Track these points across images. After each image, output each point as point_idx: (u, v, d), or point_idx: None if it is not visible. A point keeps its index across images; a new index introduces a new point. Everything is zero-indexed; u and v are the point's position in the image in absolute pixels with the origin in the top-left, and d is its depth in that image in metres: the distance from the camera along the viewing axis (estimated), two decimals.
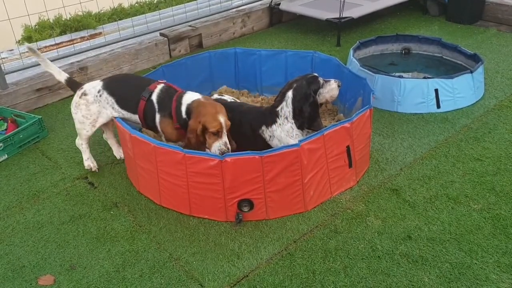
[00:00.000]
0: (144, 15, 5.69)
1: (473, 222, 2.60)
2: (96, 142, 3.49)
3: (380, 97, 3.68)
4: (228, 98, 3.24)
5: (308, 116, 2.89)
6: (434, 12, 5.74)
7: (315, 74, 3.00)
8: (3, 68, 3.97)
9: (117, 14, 6.34)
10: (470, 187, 2.86)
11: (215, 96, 3.30)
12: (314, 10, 5.29)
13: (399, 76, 3.68)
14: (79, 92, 2.98)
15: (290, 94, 2.91)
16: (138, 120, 2.91)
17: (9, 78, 4.04)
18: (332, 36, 5.25)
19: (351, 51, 4.15)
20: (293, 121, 2.91)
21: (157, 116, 2.80)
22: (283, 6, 5.54)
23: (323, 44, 5.10)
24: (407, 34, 4.57)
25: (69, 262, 2.47)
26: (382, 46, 4.54)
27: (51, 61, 4.28)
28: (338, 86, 3.01)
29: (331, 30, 5.35)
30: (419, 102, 3.65)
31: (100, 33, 5.32)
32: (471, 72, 3.71)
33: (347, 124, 2.72)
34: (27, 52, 4.84)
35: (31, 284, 2.35)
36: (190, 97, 2.76)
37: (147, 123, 2.89)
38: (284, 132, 2.90)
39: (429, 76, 3.70)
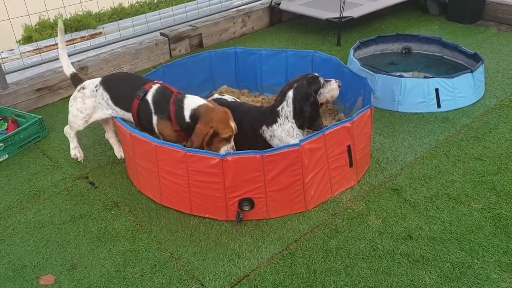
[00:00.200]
0: (144, 14, 5.69)
1: (474, 221, 2.60)
2: (97, 142, 3.49)
3: (381, 96, 3.68)
4: (228, 97, 3.25)
5: (308, 116, 2.89)
6: (434, 12, 5.74)
7: (316, 74, 3.00)
8: (3, 68, 3.97)
9: (117, 14, 6.34)
10: (471, 187, 2.86)
11: (216, 95, 3.30)
12: (314, 10, 5.29)
13: (400, 76, 3.68)
14: (79, 87, 3.03)
15: (290, 93, 2.91)
16: (132, 119, 2.90)
17: (10, 78, 4.04)
18: (333, 36, 5.25)
19: (352, 51, 4.15)
20: (293, 121, 2.91)
21: (154, 118, 2.79)
22: (283, 6, 5.54)
23: (324, 44, 5.10)
24: (408, 34, 4.57)
25: (70, 262, 2.47)
26: (383, 46, 4.54)
27: (52, 61, 4.34)
28: (339, 86, 3.01)
29: (332, 29, 5.35)
30: (420, 101, 3.65)
31: (101, 32, 5.31)
32: (472, 71, 3.71)
33: (348, 124, 2.72)
34: (27, 52, 4.85)
35: (32, 284, 2.36)
36: (194, 101, 2.74)
37: (141, 123, 2.87)
38: (284, 131, 2.90)
39: (429, 76, 3.70)
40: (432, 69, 4.26)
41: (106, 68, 4.46)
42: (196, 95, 2.91)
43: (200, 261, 2.43)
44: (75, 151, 3.20)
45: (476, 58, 3.98)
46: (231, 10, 5.58)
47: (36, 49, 4.89)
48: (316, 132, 2.68)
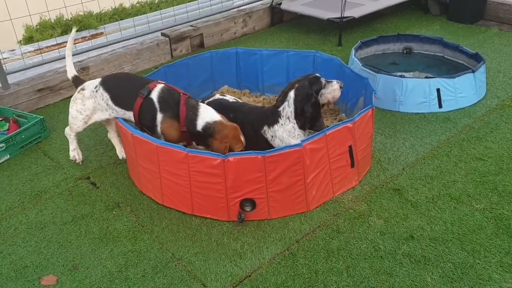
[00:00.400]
0: (145, 15, 5.69)
1: (475, 222, 2.60)
2: (98, 142, 3.49)
3: (382, 96, 3.68)
4: (229, 98, 3.24)
5: (310, 116, 2.89)
6: (435, 12, 5.74)
7: (317, 75, 3.00)
8: (4, 68, 3.97)
9: (118, 14, 6.35)
10: (473, 187, 2.86)
11: (217, 96, 3.30)
12: (315, 10, 5.29)
13: (401, 76, 3.68)
14: (79, 88, 3.04)
15: (292, 94, 2.91)
16: (132, 118, 2.91)
17: (11, 78, 4.04)
18: (334, 36, 5.25)
19: (353, 51, 4.15)
20: (295, 121, 2.91)
21: (159, 116, 2.80)
22: (284, 6, 5.53)
23: (325, 44, 5.10)
24: (409, 34, 4.57)
25: (72, 262, 2.47)
26: (384, 46, 4.54)
27: (53, 61, 4.34)
28: (340, 87, 3.01)
29: (333, 29, 5.35)
30: (421, 101, 3.65)
31: (102, 33, 5.32)
32: (473, 71, 3.70)
33: (349, 124, 2.72)
34: (28, 52, 4.86)
35: (34, 284, 2.36)
36: (209, 114, 2.79)
37: (142, 122, 2.88)
38: (286, 132, 2.90)
39: (431, 76, 3.70)
40: (433, 69, 4.25)
41: (107, 68, 4.46)
42: (197, 95, 2.94)
43: (202, 262, 2.43)
44: (74, 153, 3.20)
45: (477, 58, 3.98)
46: (232, 10, 5.57)
47: (37, 50, 4.89)
48: (318, 132, 2.68)
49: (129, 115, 2.90)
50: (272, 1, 5.66)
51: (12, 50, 4.89)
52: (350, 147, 2.78)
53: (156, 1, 6.88)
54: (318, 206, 2.76)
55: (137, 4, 6.75)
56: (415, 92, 3.63)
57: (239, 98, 3.57)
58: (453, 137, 3.36)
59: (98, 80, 3.00)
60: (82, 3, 4.60)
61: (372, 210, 2.72)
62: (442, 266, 2.34)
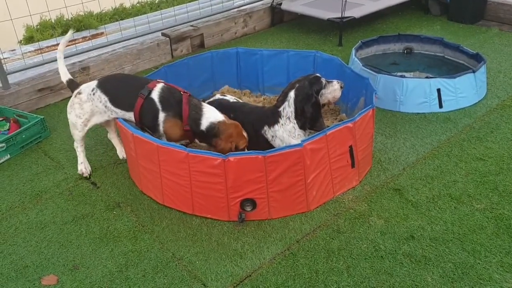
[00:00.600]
0: (146, 15, 5.70)
1: (476, 222, 2.60)
2: (99, 142, 3.49)
3: (382, 96, 3.67)
4: (230, 98, 3.25)
5: (310, 117, 2.89)
6: (436, 12, 5.74)
7: (318, 75, 3.00)
8: (5, 68, 3.97)
9: (119, 14, 6.34)
10: (473, 187, 2.86)
11: (218, 96, 3.31)
12: (315, 10, 5.29)
13: (401, 76, 3.68)
14: (75, 92, 3.00)
15: (292, 94, 2.91)
16: (132, 118, 2.91)
17: (11, 78, 4.04)
18: (334, 36, 5.25)
19: (353, 51, 4.15)
20: (295, 121, 2.91)
21: (162, 115, 2.80)
22: (284, 6, 5.54)
23: (325, 44, 5.10)
24: (409, 34, 4.56)
25: (72, 262, 2.47)
26: (384, 46, 4.54)
27: (53, 61, 4.33)
28: (341, 87, 3.01)
29: (333, 29, 5.35)
30: (421, 101, 3.65)
31: (102, 33, 5.32)
32: (474, 71, 3.70)
33: (350, 124, 2.72)
34: (29, 52, 4.86)
35: (34, 284, 2.36)
36: (213, 115, 2.81)
37: (143, 122, 2.87)
38: (286, 132, 2.90)
39: (431, 76, 3.70)
40: (433, 69, 4.25)
41: (108, 68, 4.47)
42: (197, 95, 2.94)
43: (202, 262, 2.43)
44: (82, 167, 3.14)
45: (478, 58, 3.98)
46: (232, 10, 5.57)
47: (38, 50, 4.90)
48: (318, 132, 2.68)
49: (129, 116, 2.90)
50: (273, 1, 5.67)
51: (12, 50, 4.90)
52: (350, 147, 2.78)
53: (156, 1, 6.88)
54: (318, 206, 2.76)
55: (138, 4, 6.75)
56: (415, 92, 3.63)
57: (240, 98, 3.57)
58: (453, 137, 3.36)
59: (95, 82, 2.96)
60: (82, 3, 4.61)
61: (373, 210, 2.72)
62: (442, 266, 2.34)
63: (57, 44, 4.82)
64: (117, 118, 2.92)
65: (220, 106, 3.02)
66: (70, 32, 3.20)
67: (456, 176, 2.96)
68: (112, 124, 3.20)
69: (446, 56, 4.35)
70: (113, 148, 3.35)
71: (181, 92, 2.85)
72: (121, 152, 3.28)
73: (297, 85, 2.94)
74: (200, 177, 2.59)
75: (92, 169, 3.19)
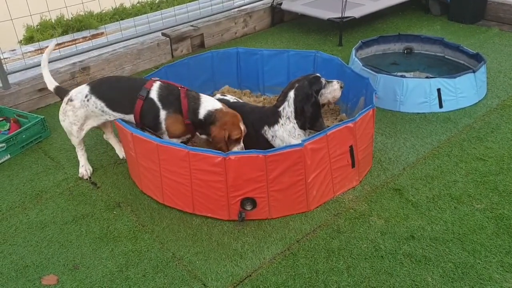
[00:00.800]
0: (146, 15, 5.69)
1: (476, 221, 2.60)
2: (99, 142, 3.49)
3: (383, 96, 3.68)
4: (230, 98, 3.25)
5: (309, 116, 2.89)
6: (436, 12, 5.74)
7: (318, 75, 3.00)
8: (5, 68, 3.97)
9: (119, 14, 6.34)
10: (473, 187, 2.86)
11: (218, 96, 3.31)
12: (316, 10, 5.29)
13: (401, 76, 3.67)
14: (65, 99, 2.95)
15: (292, 94, 2.91)
16: (132, 120, 2.90)
17: (12, 78, 4.04)
18: (334, 36, 5.25)
19: (353, 51, 4.15)
20: (295, 121, 2.91)
21: (163, 113, 2.80)
22: (285, 6, 5.54)
23: (325, 44, 5.10)
24: (409, 34, 4.56)
25: (72, 262, 2.47)
26: (384, 46, 4.54)
27: (54, 61, 4.34)
28: (341, 87, 3.01)
29: (333, 29, 5.35)
30: (422, 101, 3.65)
31: (102, 33, 5.32)
32: (474, 71, 3.70)
33: (350, 124, 2.72)
34: (29, 52, 4.86)
35: (34, 284, 2.36)
36: (211, 103, 2.83)
37: (144, 122, 2.87)
38: (286, 132, 2.90)
39: (431, 76, 3.70)
40: (434, 69, 4.25)
41: (108, 68, 4.47)
42: None
43: (202, 261, 2.43)
44: (82, 170, 3.12)
45: (478, 58, 3.98)
46: (232, 10, 5.58)
47: (38, 50, 4.90)
48: (318, 132, 2.68)
49: (129, 118, 2.89)
50: (273, 1, 5.67)
51: (12, 50, 4.90)
52: (351, 147, 2.78)
53: (156, 1, 6.88)
54: (318, 206, 2.76)
55: (138, 4, 6.75)
56: (415, 92, 3.63)
57: (240, 98, 3.57)
58: (453, 137, 3.36)
59: (86, 88, 2.91)
60: (82, 3, 4.61)
61: (373, 210, 2.72)
62: (442, 266, 2.34)
63: (58, 44, 4.86)
64: (115, 119, 2.92)
65: None
66: (53, 42, 3.19)
67: (456, 176, 2.96)
68: (108, 125, 3.19)
69: (446, 56, 4.35)
70: (113, 148, 3.35)
71: (179, 88, 2.86)
72: (120, 151, 3.27)
73: (296, 85, 2.94)
74: (200, 175, 2.59)
75: (92, 169, 3.19)
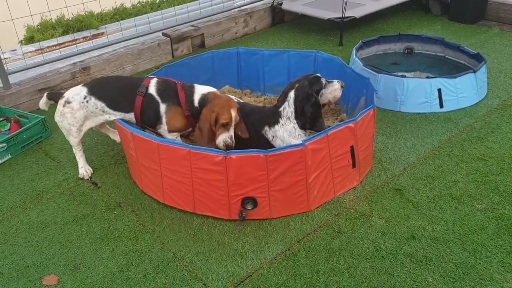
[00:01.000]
0: (146, 15, 5.69)
1: (477, 222, 2.60)
2: (100, 142, 3.49)
3: (383, 96, 3.67)
4: (231, 98, 3.24)
5: (310, 117, 2.89)
6: (437, 12, 5.74)
7: (318, 75, 3.00)
8: (6, 68, 3.97)
9: (119, 14, 6.35)
10: (474, 187, 2.86)
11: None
12: (316, 10, 5.29)
13: (402, 76, 3.67)
14: (61, 101, 2.94)
15: (292, 94, 2.91)
16: (133, 119, 2.92)
17: (12, 78, 4.05)
18: (335, 36, 5.25)
19: (354, 51, 4.15)
20: (295, 121, 2.90)
21: (163, 107, 2.82)
22: (285, 6, 5.54)
23: (326, 44, 5.10)
24: (410, 34, 4.56)
25: (73, 262, 2.47)
26: (385, 46, 4.54)
27: (54, 61, 4.34)
28: (341, 86, 3.00)
29: (334, 29, 5.35)
30: (422, 101, 3.64)
31: (103, 33, 5.32)
32: (474, 71, 3.70)
33: (351, 124, 2.72)
34: (29, 52, 4.86)
35: (35, 284, 2.36)
36: (204, 88, 2.87)
37: (145, 119, 2.89)
38: (286, 132, 2.89)
39: (432, 76, 3.70)
40: (434, 69, 4.25)
41: (109, 68, 4.47)
42: None
43: (203, 261, 2.43)
44: (82, 170, 3.12)
45: (478, 58, 3.97)
46: (233, 10, 5.58)
47: (38, 50, 4.90)
48: (319, 132, 2.68)
49: (129, 117, 2.91)
50: (273, 1, 5.67)
51: (13, 50, 4.90)
52: (351, 147, 2.78)
53: (157, 1, 6.88)
54: (319, 206, 2.76)
55: (138, 4, 6.75)
56: (416, 92, 3.63)
57: (240, 98, 3.57)
58: (454, 137, 3.36)
59: (84, 89, 2.91)
60: (83, 3, 4.61)
61: (373, 210, 2.72)
62: (443, 266, 2.34)
63: (58, 44, 4.87)
64: (115, 119, 2.92)
65: None
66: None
67: (457, 176, 2.96)
68: (104, 124, 3.20)
69: (446, 56, 4.35)
70: (113, 148, 3.36)
71: (175, 82, 2.90)
72: (115, 136, 3.29)
73: (297, 85, 2.94)
74: (201, 174, 2.59)
75: (93, 169, 3.19)
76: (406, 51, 4.53)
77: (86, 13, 5.93)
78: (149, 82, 2.87)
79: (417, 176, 2.98)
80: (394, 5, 5.49)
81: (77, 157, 3.14)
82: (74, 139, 3.02)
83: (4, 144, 3.29)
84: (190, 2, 5.94)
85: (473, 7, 5.37)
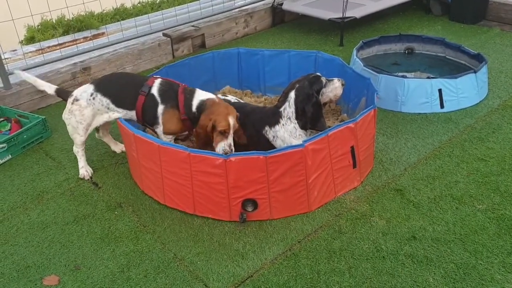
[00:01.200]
0: (147, 15, 5.69)
1: (477, 222, 2.60)
2: (100, 142, 3.49)
3: (384, 97, 3.67)
4: (231, 98, 3.25)
5: (311, 116, 2.88)
6: (437, 12, 5.73)
7: (318, 74, 3.00)
8: (6, 68, 3.97)
9: (120, 14, 6.35)
10: (475, 187, 2.86)
11: (219, 96, 3.30)
12: (316, 10, 5.29)
13: (403, 76, 3.67)
14: (70, 99, 2.97)
15: (292, 94, 2.91)
16: (134, 117, 2.93)
17: (13, 79, 4.04)
18: (335, 36, 5.25)
19: (354, 51, 4.15)
20: (296, 122, 2.90)
21: (160, 108, 2.83)
22: (285, 6, 5.53)
23: (326, 44, 5.10)
24: (410, 34, 4.56)
25: (74, 262, 2.47)
26: (385, 46, 4.53)
27: (54, 61, 4.34)
28: (342, 84, 3.00)
29: (334, 30, 5.35)
30: (423, 102, 3.64)
31: (103, 33, 5.32)
32: (475, 72, 3.70)
33: (351, 125, 2.72)
34: (30, 52, 4.86)
35: (36, 284, 2.36)
36: (204, 94, 2.85)
37: (145, 118, 2.90)
38: (287, 132, 2.89)
39: (432, 76, 3.69)
40: (435, 69, 4.25)
41: (109, 68, 4.47)
42: None
43: (204, 262, 2.43)
44: (83, 171, 3.12)
45: (479, 59, 3.97)
46: (233, 11, 5.57)
47: (39, 50, 4.90)
48: (320, 132, 2.68)
49: (131, 114, 2.92)
50: (274, 1, 5.66)
51: (14, 50, 4.90)
52: (352, 147, 2.78)
53: (157, 1, 6.88)
54: (320, 206, 2.75)
55: (139, 4, 6.75)
56: (417, 93, 3.63)
57: (241, 99, 3.57)
58: (455, 137, 3.35)
59: (91, 87, 2.94)
60: (83, 3, 4.60)
61: (374, 210, 2.72)
62: (444, 266, 2.34)
63: (58, 44, 4.87)
64: (118, 118, 2.93)
65: None
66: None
67: (457, 177, 2.96)
68: (107, 125, 3.20)
69: (447, 56, 4.35)
70: None
71: (179, 84, 2.90)
72: (116, 147, 3.29)
73: (297, 85, 2.94)
74: (201, 177, 2.59)
75: (94, 169, 3.19)
76: (406, 52, 4.53)
77: (87, 13, 5.93)
78: (153, 82, 2.88)
79: (417, 177, 2.98)
80: (394, 5, 5.49)
81: (78, 157, 3.14)
82: (80, 138, 3.02)
83: (4, 145, 3.29)
84: (190, 2, 5.94)
85: (473, 7, 5.37)
